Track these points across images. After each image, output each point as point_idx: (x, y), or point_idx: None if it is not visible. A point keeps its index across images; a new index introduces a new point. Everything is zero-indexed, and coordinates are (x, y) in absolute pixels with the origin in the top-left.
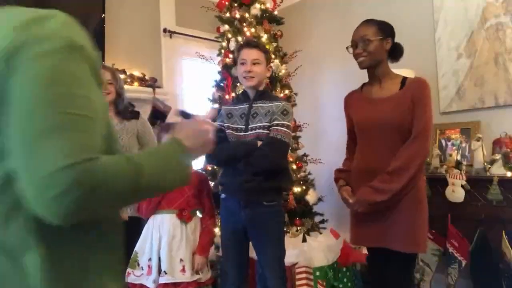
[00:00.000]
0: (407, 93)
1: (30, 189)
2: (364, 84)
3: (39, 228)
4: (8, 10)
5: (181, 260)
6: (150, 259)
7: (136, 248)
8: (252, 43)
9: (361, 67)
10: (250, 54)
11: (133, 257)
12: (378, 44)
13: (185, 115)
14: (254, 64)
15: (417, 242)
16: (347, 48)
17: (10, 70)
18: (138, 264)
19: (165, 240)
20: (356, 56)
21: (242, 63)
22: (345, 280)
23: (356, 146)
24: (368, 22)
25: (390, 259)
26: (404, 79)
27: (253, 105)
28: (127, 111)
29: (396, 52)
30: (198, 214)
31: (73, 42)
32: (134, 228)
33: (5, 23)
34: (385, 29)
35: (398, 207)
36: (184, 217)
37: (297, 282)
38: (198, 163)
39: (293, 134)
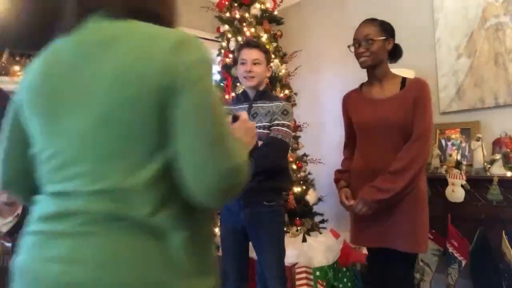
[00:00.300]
0: (409, 94)
1: (203, 180)
2: (363, 84)
3: (187, 212)
4: (142, 26)
5: None
6: None
7: None
8: (253, 43)
9: (363, 67)
10: (250, 54)
11: None
12: (381, 44)
13: (234, 118)
14: (254, 64)
15: (419, 242)
16: (348, 46)
17: (175, 87)
18: None
19: None
20: (358, 55)
21: (243, 63)
22: (345, 280)
23: (355, 145)
24: (371, 21)
25: (390, 259)
26: (404, 79)
27: (253, 105)
28: None
29: (395, 53)
30: None
31: (211, 63)
32: None
33: (152, 42)
34: (387, 29)
35: (399, 207)
36: None
37: (297, 282)
38: None
39: (293, 134)
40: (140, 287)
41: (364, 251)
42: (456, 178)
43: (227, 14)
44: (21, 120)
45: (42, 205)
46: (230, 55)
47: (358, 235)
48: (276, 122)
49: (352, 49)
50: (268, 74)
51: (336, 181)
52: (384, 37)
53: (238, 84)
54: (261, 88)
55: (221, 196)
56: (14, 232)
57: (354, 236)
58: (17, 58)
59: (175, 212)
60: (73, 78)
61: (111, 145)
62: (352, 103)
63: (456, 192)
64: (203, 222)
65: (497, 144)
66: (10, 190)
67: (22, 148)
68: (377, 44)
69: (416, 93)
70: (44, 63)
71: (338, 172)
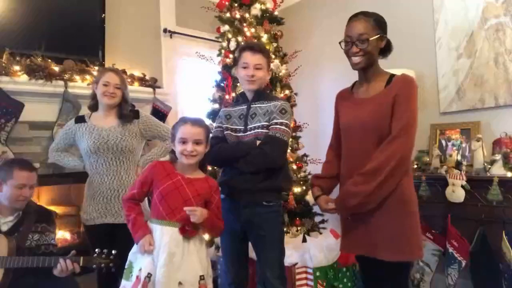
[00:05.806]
0: (390, 92)
1: None
2: (355, 82)
3: None
4: None
5: (180, 283)
6: (140, 270)
7: (131, 257)
8: (256, 47)
9: (356, 68)
10: (253, 59)
11: (127, 267)
12: (375, 43)
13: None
14: (256, 69)
15: (408, 248)
16: (340, 43)
17: None
18: (132, 275)
19: (163, 257)
20: (350, 55)
21: (245, 67)
22: (345, 280)
23: (339, 146)
24: (365, 16)
25: (380, 267)
26: (392, 76)
27: (252, 106)
28: (128, 114)
29: (386, 49)
30: None
31: None
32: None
33: None
34: (381, 25)
35: (380, 211)
36: (188, 232)
37: (297, 282)
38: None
39: (293, 134)
40: None
41: None
42: (456, 179)
43: (227, 14)
44: None
45: None
46: (230, 55)
47: (346, 241)
48: (275, 121)
49: (343, 45)
50: (268, 78)
51: (311, 186)
52: (378, 35)
53: (238, 84)
54: (259, 89)
55: None
56: (15, 231)
57: (342, 242)
58: (17, 58)
59: None
60: None
61: None
62: (340, 103)
63: (456, 192)
64: None
65: (497, 144)
66: None
67: None
68: (372, 44)
69: (397, 90)
70: None
71: (313, 177)
